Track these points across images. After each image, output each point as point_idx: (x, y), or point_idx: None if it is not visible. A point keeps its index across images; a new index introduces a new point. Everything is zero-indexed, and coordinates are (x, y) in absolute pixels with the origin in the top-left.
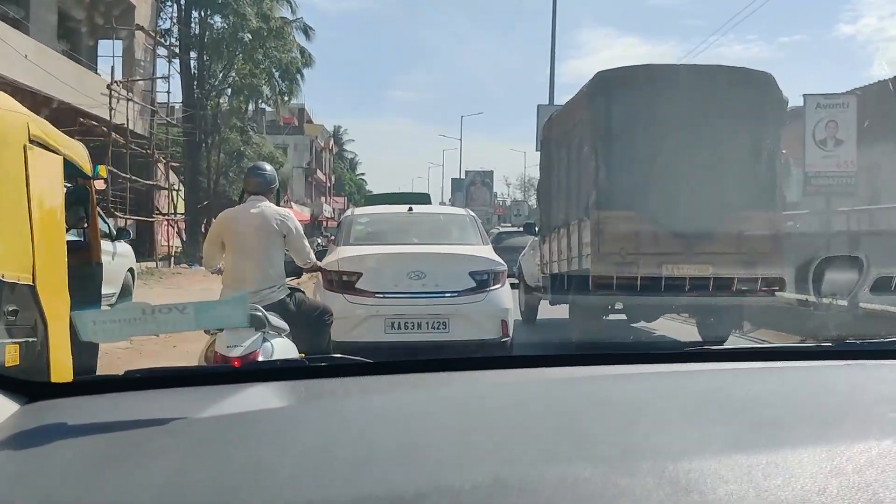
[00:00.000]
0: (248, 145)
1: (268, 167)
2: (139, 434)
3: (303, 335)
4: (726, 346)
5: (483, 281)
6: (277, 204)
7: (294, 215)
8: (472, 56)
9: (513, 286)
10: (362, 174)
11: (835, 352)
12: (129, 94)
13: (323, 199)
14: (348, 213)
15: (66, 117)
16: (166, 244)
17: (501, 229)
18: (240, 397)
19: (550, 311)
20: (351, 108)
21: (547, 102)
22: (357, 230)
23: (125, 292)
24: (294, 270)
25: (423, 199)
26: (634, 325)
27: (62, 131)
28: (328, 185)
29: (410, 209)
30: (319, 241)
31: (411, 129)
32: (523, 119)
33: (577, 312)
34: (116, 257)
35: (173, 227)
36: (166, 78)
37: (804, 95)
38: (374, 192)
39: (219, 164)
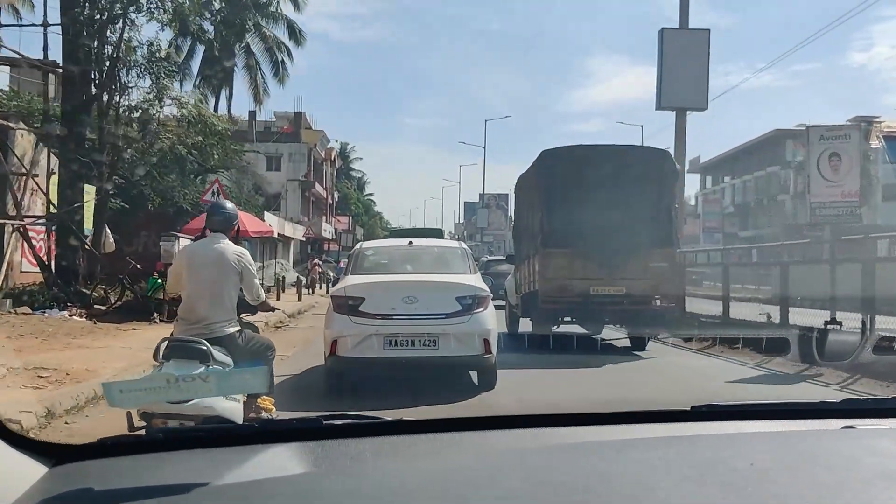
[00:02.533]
0: (160, 102)
1: (229, 205)
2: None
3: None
4: (729, 402)
5: (468, 305)
6: (237, 238)
7: (249, 254)
8: (486, 83)
9: (501, 305)
10: (371, 194)
11: (834, 410)
12: None
13: (323, 217)
14: (357, 246)
15: None
16: (35, 267)
17: (489, 258)
18: (257, 460)
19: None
20: (366, 134)
21: (678, 25)
22: (363, 261)
23: None
24: (248, 307)
25: (437, 233)
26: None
27: None
28: (329, 201)
29: (410, 242)
30: (312, 263)
31: (425, 154)
32: (538, 142)
33: (537, 322)
34: None
35: (29, 240)
36: None
37: (808, 127)
38: (379, 210)
39: (117, 136)
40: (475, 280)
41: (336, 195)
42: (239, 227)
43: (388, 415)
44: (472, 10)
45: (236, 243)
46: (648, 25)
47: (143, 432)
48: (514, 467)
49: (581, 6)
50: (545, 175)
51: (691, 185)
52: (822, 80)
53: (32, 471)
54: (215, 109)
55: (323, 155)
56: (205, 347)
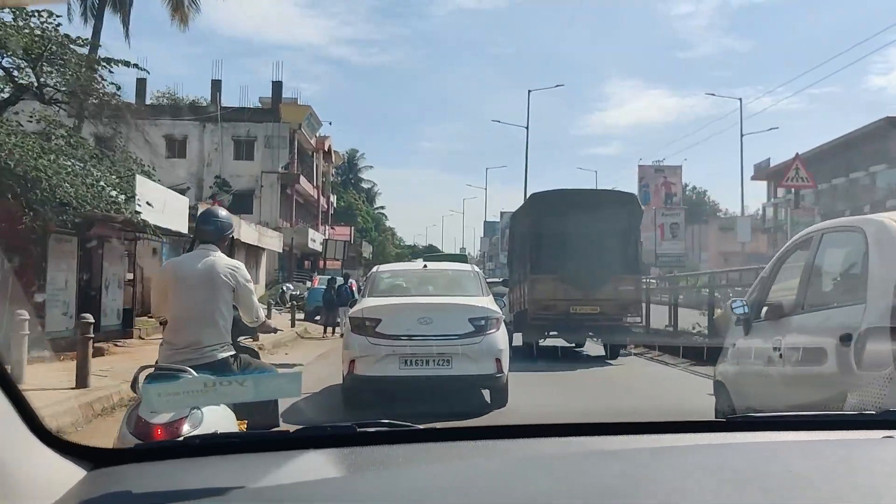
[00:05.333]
0: None
1: (222, 213)
2: None
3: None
4: (766, 413)
5: (481, 326)
6: (231, 251)
7: (244, 268)
8: (503, 107)
9: None
10: (381, 208)
11: (873, 422)
12: None
13: (318, 226)
14: (374, 269)
15: None
16: None
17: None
18: (292, 465)
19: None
20: (383, 159)
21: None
22: (380, 284)
23: None
24: (247, 329)
25: (461, 258)
26: (570, 345)
27: None
28: (322, 204)
29: (425, 266)
30: (288, 285)
31: (441, 177)
32: (557, 166)
33: (527, 336)
34: None
35: None
36: None
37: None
38: (391, 226)
39: None
40: (488, 302)
41: (334, 199)
42: (233, 237)
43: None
44: (488, 35)
45: (230, 255)
46: (663, 50)
47: (179, 439)
48: (547, 473)
49: (596, 32)
50: (534, 213)
51: (756, 195)
52: (841, 104)
53: (71, 474)
54: (95, 35)
55: (313, 144)
56: (190, 377)
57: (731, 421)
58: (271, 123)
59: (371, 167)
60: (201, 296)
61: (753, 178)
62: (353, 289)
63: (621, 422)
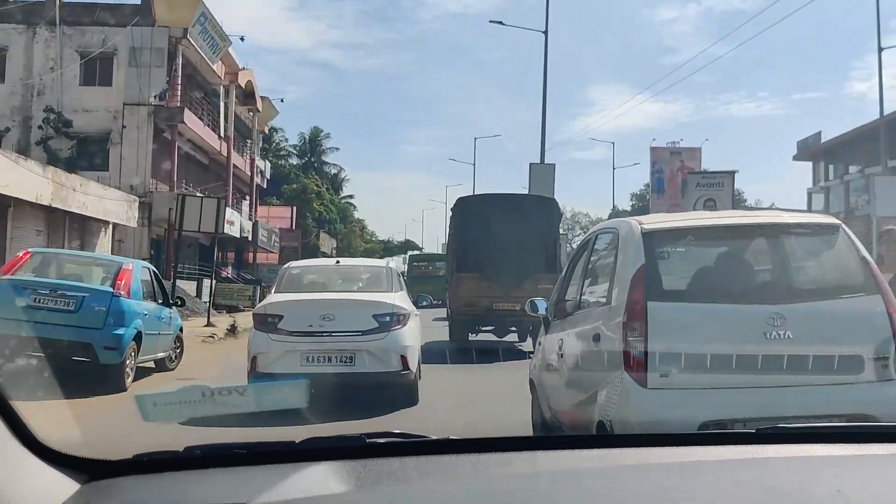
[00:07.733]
0: None
1: None
2: None
3: None
4: (798, 424)
5: (385, 322)
6: None
7: None
8: (487, 112)
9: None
10: (350, 197)
11: None
12: None
13: (217, 192)
14: (285, 266)
15: None
16: None
17: None
18: (298, 479)
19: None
20: (365, 162)
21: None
22: (288, 280)
23: None
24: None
25: (442, 258)
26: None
27: None
28: (241, 168)
29: (338, 262)
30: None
31: (424, 180)
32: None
33: (454, 332)
34: None
35: None
36: None
37: (689, 174)
38: (361, 217)
39: None
40: (395, 298)
41: (264, 166)
42: None
43: (329, 429)
44: (475, 40)
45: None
46: (647, 55)
47: (179, 449)
48: (569, 488)
49: (582, 37)
50: (460, 216)
51: (801, 177)
52: (823, 109)
53: (65, 487)
54: None
55: (219, 73)
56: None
57: (760, 432)
58: (140, 28)
59: (337, 149)
60: None
61: (796, 157)
62: (122, 282)
63: (648, 433)
